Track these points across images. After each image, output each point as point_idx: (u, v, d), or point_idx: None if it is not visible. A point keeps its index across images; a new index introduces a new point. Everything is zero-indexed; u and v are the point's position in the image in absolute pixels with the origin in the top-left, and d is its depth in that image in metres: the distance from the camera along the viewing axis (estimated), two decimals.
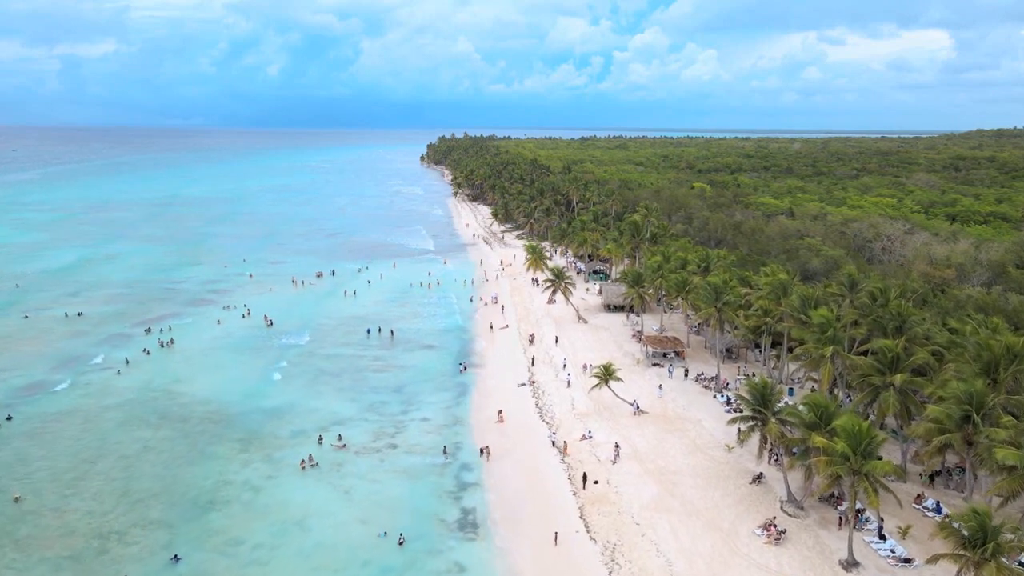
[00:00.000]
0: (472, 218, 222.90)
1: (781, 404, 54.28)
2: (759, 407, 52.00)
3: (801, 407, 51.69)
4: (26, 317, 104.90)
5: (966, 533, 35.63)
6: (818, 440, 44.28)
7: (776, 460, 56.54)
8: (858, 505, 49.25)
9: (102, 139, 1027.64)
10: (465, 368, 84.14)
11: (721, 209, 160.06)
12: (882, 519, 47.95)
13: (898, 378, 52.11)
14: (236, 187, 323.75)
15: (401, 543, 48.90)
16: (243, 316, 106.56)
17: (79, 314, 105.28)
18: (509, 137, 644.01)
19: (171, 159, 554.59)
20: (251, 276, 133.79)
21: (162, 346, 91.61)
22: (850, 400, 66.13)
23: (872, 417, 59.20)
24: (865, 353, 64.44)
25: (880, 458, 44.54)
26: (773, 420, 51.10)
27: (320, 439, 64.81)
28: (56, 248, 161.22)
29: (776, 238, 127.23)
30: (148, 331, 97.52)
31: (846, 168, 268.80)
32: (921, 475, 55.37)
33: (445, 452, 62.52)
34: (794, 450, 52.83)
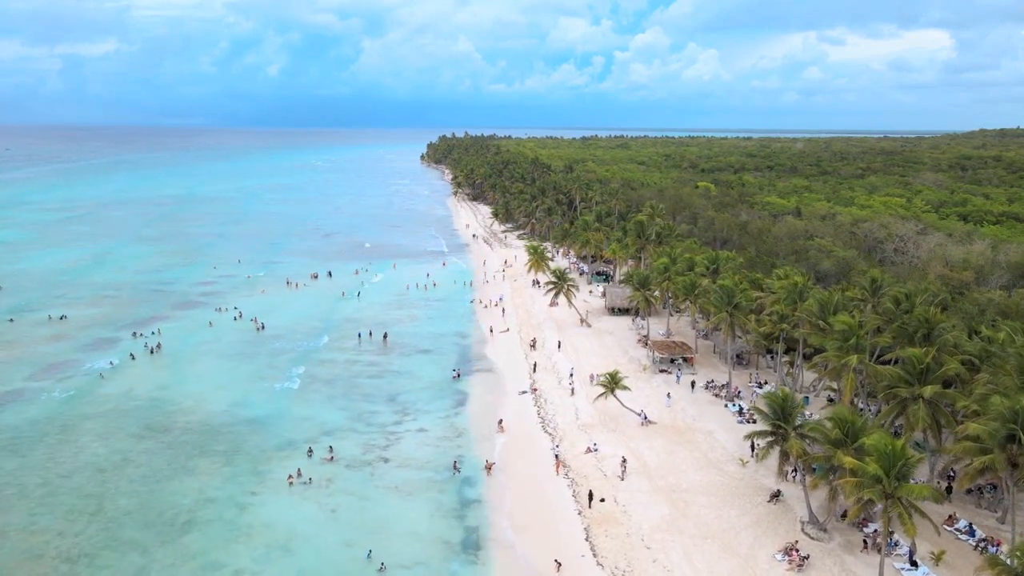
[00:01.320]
0: (472, 218, 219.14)
1: (802, 418, 50.55)
2: (779, 421, 48.30)
3: (825, 422, 48.01)
4: (11, 320, 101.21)
5: (1021, 570, 31.97)
6: (847, 460, 40.57)
7: (795, 476, 52.90)
8: None
9: (102, 138, 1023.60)
10: (459, 375, 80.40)
11: (726, 209, 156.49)
12: (914, 543, 44.26)
13: (928, 390, 48.41)
14: (234, 186, 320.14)
15: (382, 569, 45.12)
16: (235, 319, 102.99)
17: (62, 317, 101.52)
18: (510, 136, 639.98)
19: (170, 158, 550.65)
20: (249, 277, 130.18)
21: (152, 352, 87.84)
22: (872, 411, 62.54)
23: (893, 430, 55.65)
24: (887, 362, 60.86)
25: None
26: (794, 436, 47.38)
27: (310, 451, 61.17)
28: (46, 248, 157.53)
29: (784, 239, 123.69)
30: (136, 335, 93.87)
31: (851, 168, 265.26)
32: (938, 483, 51.88)
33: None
34: (814, 466, 49.22)
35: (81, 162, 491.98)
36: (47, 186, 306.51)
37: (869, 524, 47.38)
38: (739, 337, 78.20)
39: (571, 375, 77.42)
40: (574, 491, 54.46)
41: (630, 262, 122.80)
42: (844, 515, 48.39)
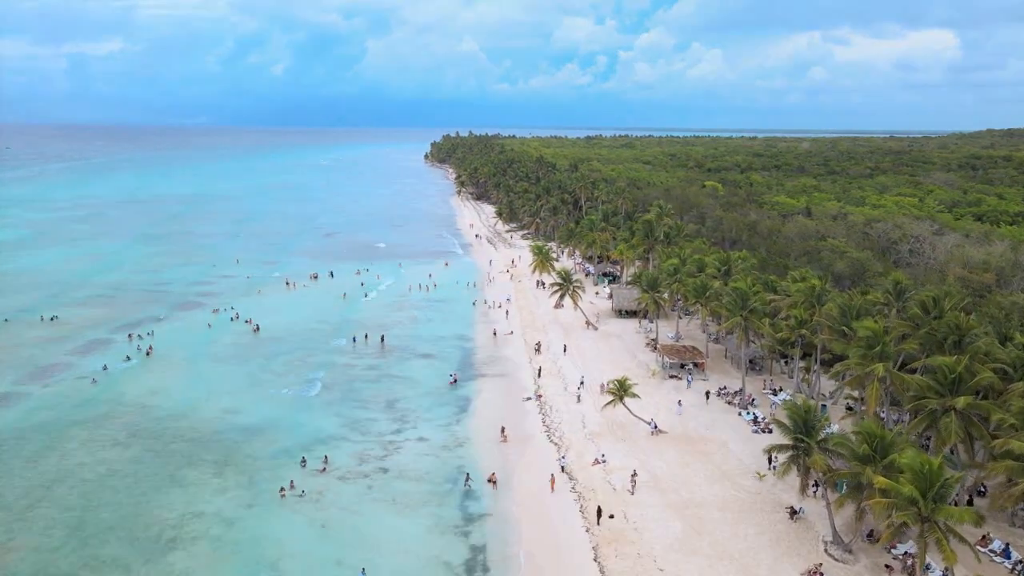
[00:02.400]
0: (476, 217, 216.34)
1: (826, 431, 47.48)
2: (801, 435, 45.23)
3: (851, 436, 44.99)
4: (6, 320, 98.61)
5: None
6: (880, 480, 37.50)
7: (816, 491, 49.81)
8: (912, 549, 42.69)
9: (106, 137, 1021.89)
10: (455, 380, 77.37)
11: (735, 208, 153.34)
12: (951, 570, 41.12)
13: (961, 401, 45.33)
14: (236, 185, 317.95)
15: None
16: (231, 320, 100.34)
17: (53, 318, 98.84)
18: (514, 136, 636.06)
19: (173, 157, 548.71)
20: (248, 277, 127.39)
21: (147, 355, 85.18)
22: (894, 420, 59.46)
23: (921, 443, 52.60)
24: (912, 370, 57.77)
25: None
26: (818, 452, 44.30)
27: (303, 461, 58.27)
28: (39, 247, 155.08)
29: (795, 239, 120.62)
30: (130, 337, 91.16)
31: (859, 167, 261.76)
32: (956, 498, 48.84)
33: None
34: (837, 482, 46.24)
35: (84, 161, 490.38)
36: (49, 185, 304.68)
37: (898, 545, 44.32)
38: (752, 342, 75.11)
39: (582, 383, 74.06)
40: (581, 506, 51.51)
41: (637, 263, 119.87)
42: (870, 535, 45.45)
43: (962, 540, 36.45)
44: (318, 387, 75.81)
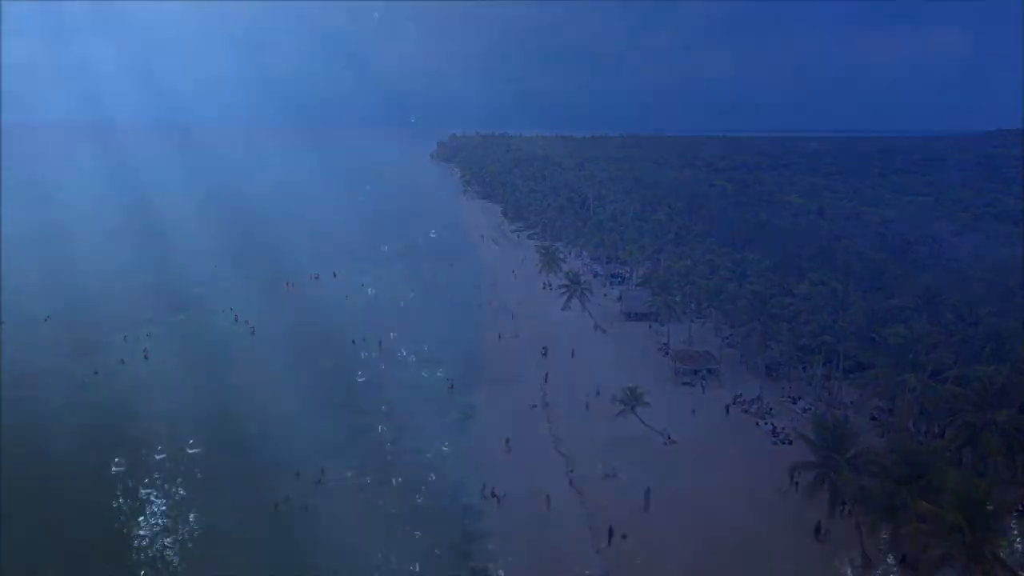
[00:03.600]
0: (481, 217, 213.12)
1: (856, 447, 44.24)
2: (830, 452, 42.00)
3: (880, 451, 41.78)
4: (1, 323, 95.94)
5: None
6: (921, 505, 34.31)
7: (843, 509, 46.57)
8: None
9: (111, 136, 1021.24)
10: (452, 386, 74.28)
11: (745, 208, 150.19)
12: None
13: (1003, 414, 42.09)
14: (240, 185, 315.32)
15: None
16: (233, 321, 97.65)
17: (46, 319, 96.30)
18: (521, 135, 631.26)
19: (175, 156, 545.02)
20: (247, 278, 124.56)
21: (145, 358, 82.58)
22: (923, 432, 56.14)
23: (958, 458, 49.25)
24: (944, 380, 54.42)
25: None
26: (848, 471, 41.07)
27: (298, 474, 55.32)
28: (38, 247, 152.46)
29: (809, 239, 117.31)
30: (126, 339, 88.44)
31: (871, 167, 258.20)
32: None
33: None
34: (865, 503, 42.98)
35: (85, 160, 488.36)
36: (50, 184, 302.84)
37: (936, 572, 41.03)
38: (769, 347, 71.79)
39: (598, 393, 70.32)
40: (591, 524, 48.39)
41: (647, 263, 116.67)
42: (903, 559, 42.24)
43: (1013, 574, 33.24)
44: (315, 393, 72.58)
